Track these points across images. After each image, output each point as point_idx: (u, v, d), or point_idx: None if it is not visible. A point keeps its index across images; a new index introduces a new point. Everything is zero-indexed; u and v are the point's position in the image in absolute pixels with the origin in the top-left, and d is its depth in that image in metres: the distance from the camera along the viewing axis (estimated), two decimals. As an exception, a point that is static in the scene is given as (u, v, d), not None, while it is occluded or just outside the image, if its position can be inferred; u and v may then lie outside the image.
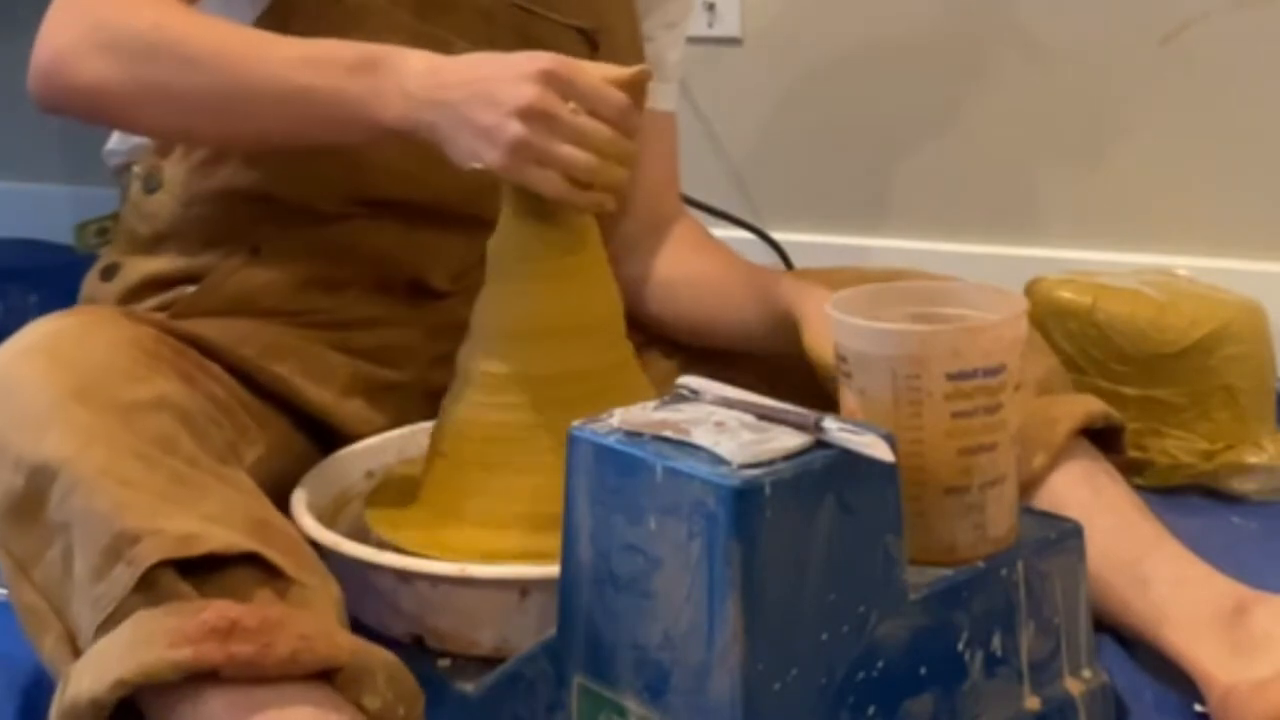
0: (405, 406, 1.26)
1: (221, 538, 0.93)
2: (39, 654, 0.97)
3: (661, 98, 1.38)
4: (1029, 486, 1.13)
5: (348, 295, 1.26)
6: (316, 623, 0.93)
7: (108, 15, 1.11)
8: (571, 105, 1.03)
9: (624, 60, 1.23)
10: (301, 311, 1.23)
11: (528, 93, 1.02)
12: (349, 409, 1.23)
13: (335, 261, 1.25)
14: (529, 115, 1.02)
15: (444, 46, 1.15)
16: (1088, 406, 1.19)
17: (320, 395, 1.21)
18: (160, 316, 1.17)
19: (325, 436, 1.23)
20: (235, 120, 1.12)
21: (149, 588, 0.90)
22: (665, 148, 1.41)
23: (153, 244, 1.25)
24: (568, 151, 1.02)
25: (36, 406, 0.98)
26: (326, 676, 0.91)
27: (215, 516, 0.95)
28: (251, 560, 0.94)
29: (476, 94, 1.04)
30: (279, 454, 1.16)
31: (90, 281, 1.28)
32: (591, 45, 1.26)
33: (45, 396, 0.98)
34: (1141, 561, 1.09)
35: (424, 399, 1.27)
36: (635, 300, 1.34)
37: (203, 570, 0.92)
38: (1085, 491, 1.13)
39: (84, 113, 1.16)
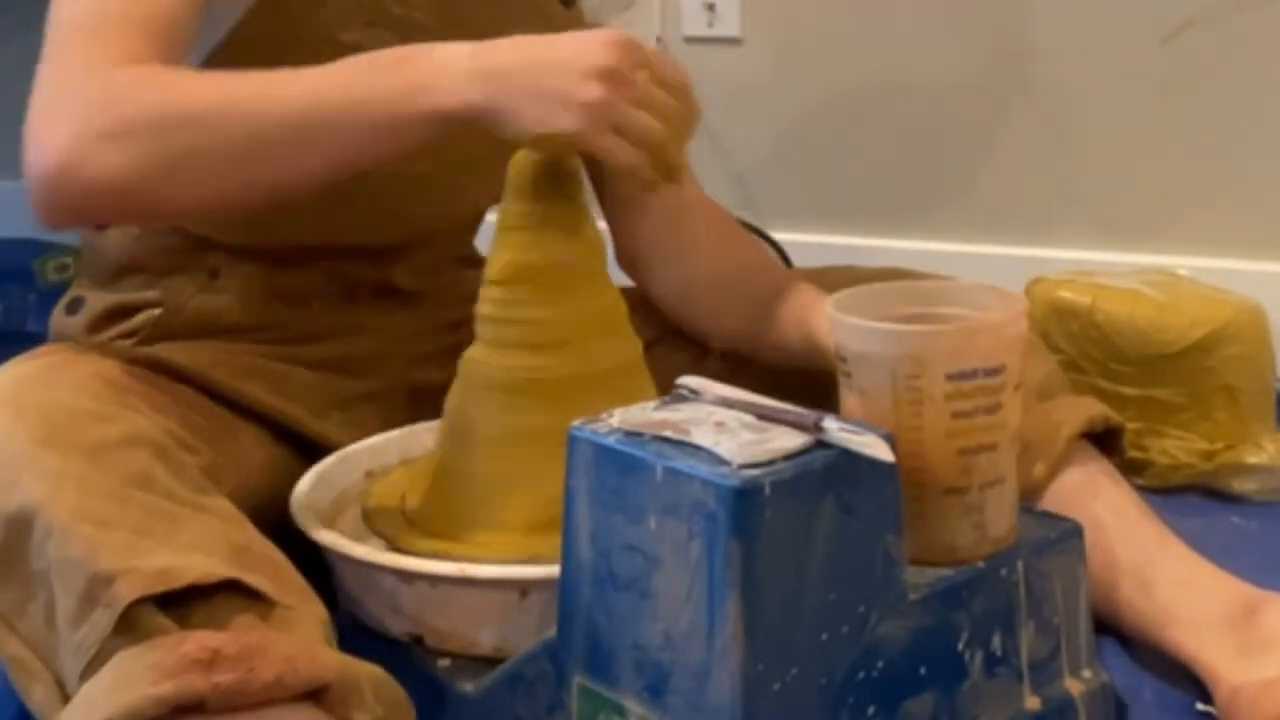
0: (384, 414, 1.25)
1: (199, 567, 0.91)
2: (29, 706, 0.96)
3: None
4: (1030, 496, 1.13)
5: (311, 308, 1.25)
6: (299, 644, 0.91)
7: (101, 98, 1.03)
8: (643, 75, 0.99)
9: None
10: (265, 327, 1.23)
11: (606, 55, 0.98)
12: (323, 425, 1.22)
13: (294, 276, 1.24)
14: (608, 77, 0.97)
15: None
16: (1088, 411, 1.19)
17: (294, 412, 1.20)
18: (126, 345, 1.17)
19: (309, 448, 1.22)
20: (277, 165, 1.04)
21: (129, 628, 0.89)
22: None
23: (113, 276, 1.25)
24: (645, 119, 0.98)
25: (4, 457, 0.96)
26: (314, 697, 0.90)
27: (192, 547, 0.93)
28: (232, 587, 0.92)
29: (540, 61, 0.99)
30: (264, 470, 1.15)
31: (56, 316, 1.28)
32: (566, 2, 1.24)
33: (12, 446, 0.96)
34: (1147, 564, 1.09)
35: (407, 402, 1.27)
36: (667, 299, 1.32)
37: (183, 602, 0.91)
38: (1087, 497, 1.13)
39: (107, 212, 1.11)
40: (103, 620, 0.89)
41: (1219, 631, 1.04)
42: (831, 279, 1.23)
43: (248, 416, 1.17)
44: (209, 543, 0.94)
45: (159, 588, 0.90)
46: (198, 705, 0.86)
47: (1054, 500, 1.13)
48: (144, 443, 0.99)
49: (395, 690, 0.93)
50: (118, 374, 1.07)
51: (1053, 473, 1.15)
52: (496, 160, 1.10)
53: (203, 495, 1.00)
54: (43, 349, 1.13)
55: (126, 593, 0.89)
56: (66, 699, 0.91)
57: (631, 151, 0.99)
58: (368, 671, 0.92)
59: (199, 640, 0.88)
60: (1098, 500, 1.13)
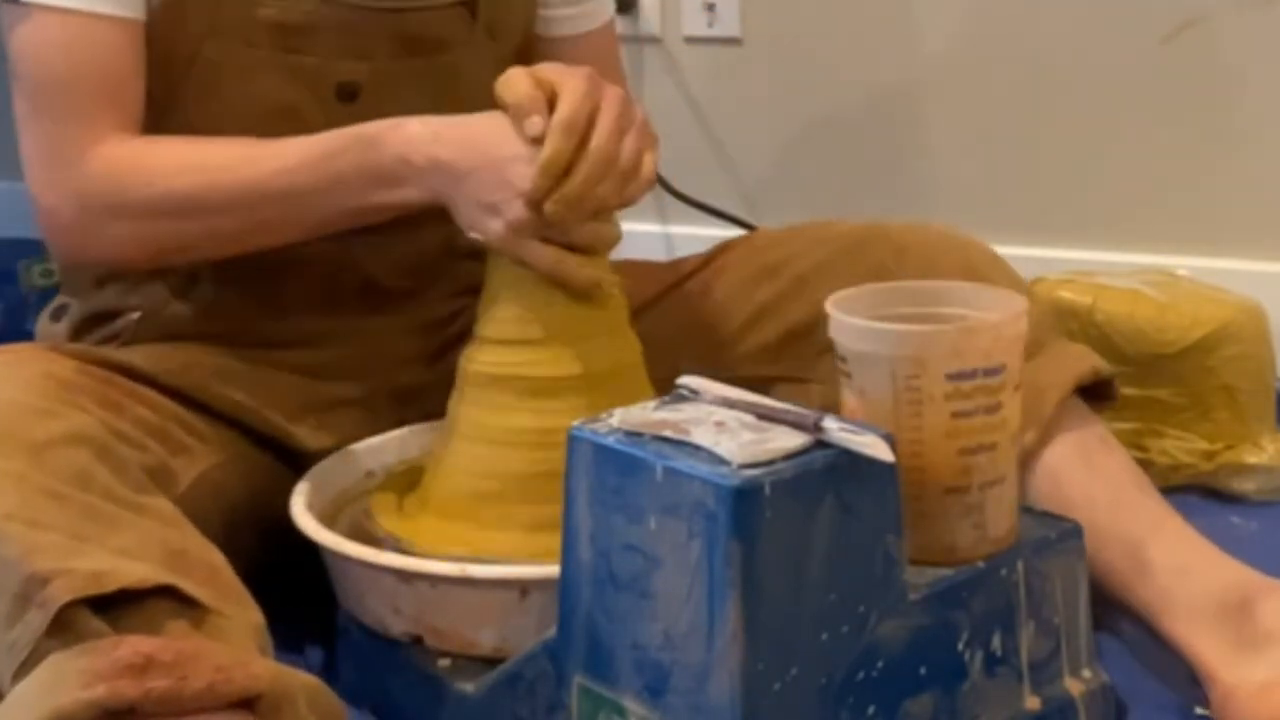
0: (366, 418, 1.25)
1: (134, 572, 0.91)
2: None
3: (591, 18, 1.36)
4: (1021, 463, 1.11)
5: (293, 313, 1.24)
6: (233, 653, 0.91)
7: (92, 188, 1.14)
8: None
9: (503, 15, 1.26)
10: (245, 333, 1.22)
11: (526, 186, 1.04)
12: (301, 431, 1.21)
13: (276, 281, 1.23)
14: (531, 199, 1.04)
15: (321, 72, 1.17)
16: (1075, 368, 1.17)
17: (272, 417, 1.20)
18: (83, 347, 1.17)
19: (285, 452, 1.21)
20: (258, 239, 1.15)
21: (63, 629, 0.89)
22: (600, 57, 1.37)
23: (95, 284, 1.26)
24: (573, 235, 1.05)
25: None
26: (248, 705, 0.89)
27: (128, 550, 0.93)
28: (167, 592, 0.92)
29: (484, 168, 1.07)
30: (232, 469, 1.14)
31: (42, 323, 1.29)
32: (472, 15, 1.24)
33: None
34: (1144, 544, 1.08)
35: (392, 405, 1.26)
36: None
37: (117, 606, 0.90)
38: (1080, 466, 1.12)
39: (113, 267, 1.22)
40: (36, 621, 0.89)
41: (1214, 624, 1.03)
42: (811, 235, 1.27)
43: (220, 418, 1.17)
44: (145, 546, 0.94)
45: (93, 590, 0.89)
46: (128, 711, 0.86)
47: (1046, 472, 1.12)
48: (85, 441, 0.99)
49: (330, 700, 0.93)
50: (70, 373, 1.07)
51: (1044, 439, 1.13)
52: (444, 107, 1.16)
53: (142, 495, 1.00)
54: (1, 348, 1.14)
55: (60, 594, 0.89)
56: (0, 698, 0.91)
57: (550, 259, 1.06)
58: (303, 682, 0.92)
59: (132, 645, 0.87)
60: (1093, 473, 1.12)
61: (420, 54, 1.22)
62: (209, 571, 0.97)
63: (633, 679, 0.90)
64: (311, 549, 1.09)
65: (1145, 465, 1.44)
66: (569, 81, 1.06)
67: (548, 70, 1.09)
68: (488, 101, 1.15)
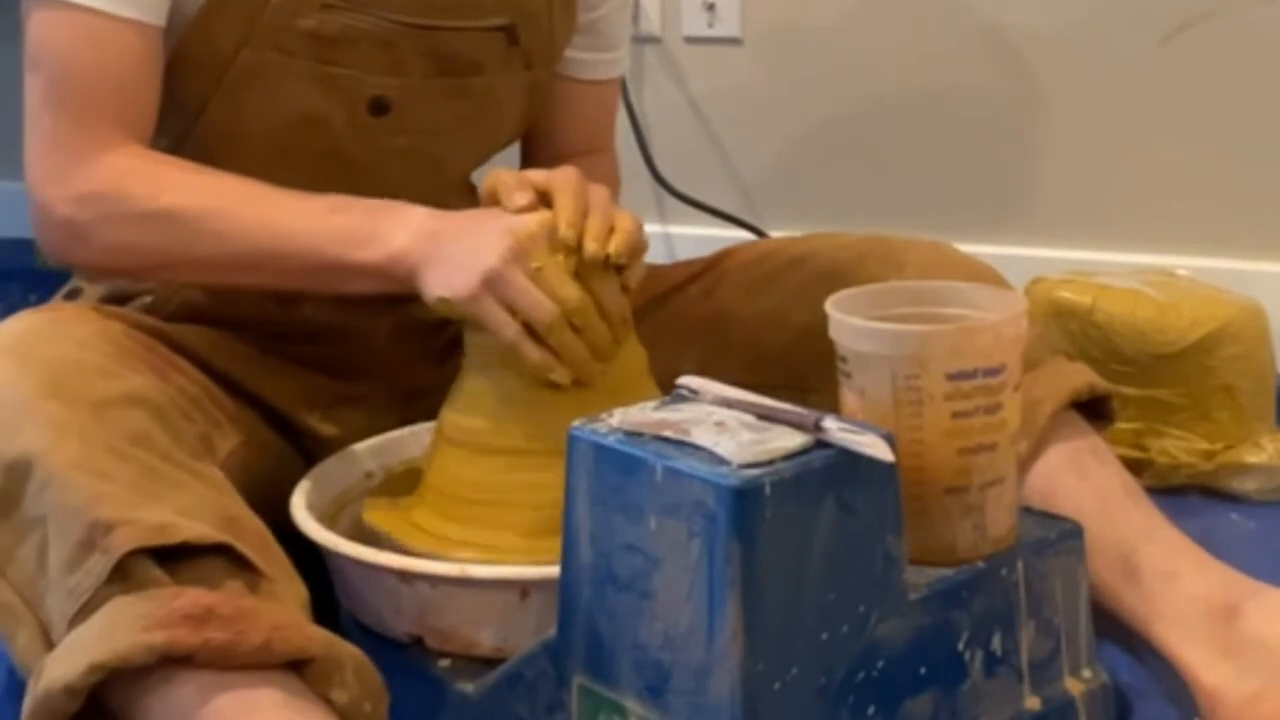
0: (370, 417, 1.25)
1: (194, 529, 0.93)
2: (10, 651, 0.97)
3: (611, 67, 1.38)
4: None
5: (303, 306, 1.25)
6: (288, 615, 0.93)
7: (93, 191, 1.13)
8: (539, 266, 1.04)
9: (544, 46, 1.25)
10: (256, 322, 1.23)
11: (509, 242, 1.04)
12: (309, 421, 1.23)
13: None
14: (509, 257, 1.03)
15: (355, 85, 1.18)
16: (1071, 382, 1.16)
17: (282, 399, 1.21)
18: (125, 310, 1.18)
19: (296, 435, 1.23)
20: (237, 277, 1.15)
21: (124, 577, 0.91)
22: (598, 114, 1.40)
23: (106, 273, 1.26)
24: (534, 298, 1.03)
25: (8, 406, 0.98)
26: (295, 669, 0.91)
27: (187, 510, 0.95)
28: (223, 552, 0.94)
29: (470, 231, 1.07)
30: (252, 447, 1.16)
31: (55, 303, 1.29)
32: (511, 40, 1.25)
33: (16, 395, 0.98)
34: (1133, 552, 1.07)
35: (398, 404, 1.26)
36: None
37: (175, 560, 0.92)
38: (1071, 476, 1.12)
39: (104, 274, 1.22)
40: (98, 567, 0.91)
41: (1201, 630, 1.03)
42: (813, 245, 1.27)
43: (242, 398, 1.18)
44: (202, 508, 0.96)
45: (157, 541, 0.91)
46: (185, 659, 0.88)
47: (1037, 481, 1.12)
48: (144, 403, 1.01)
49: (375, 676, 0.95)
50: (120, 336, 1.09)
51: (1036, 450, 1.13)
52: (474, 126, 1.23)
53: (197, 461, 1.02)
54: (49, 305, 1.17)
55: (125, 541, 0.91)
56: (50, 646, 0.92)
57: (513, 328, 1.04)
58: (351, 652, 0.94)
59: (193, 596, 0.90)
60: (1083, 482, 1.11)
61: (454, 74, 1.23)
62: (260, 540, 0.99)
63: (633, 679, 0.90)
64: (311, 547, 1.09)
65: (1145, 465, 1.45)
66: (557, 178, 1.08)
67: (535, 174, 1.10)
68: (516, 127, 1.15)
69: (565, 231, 1.04)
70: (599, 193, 1.08)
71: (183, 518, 0.94)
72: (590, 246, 1.04)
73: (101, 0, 1.12)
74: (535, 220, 1.05)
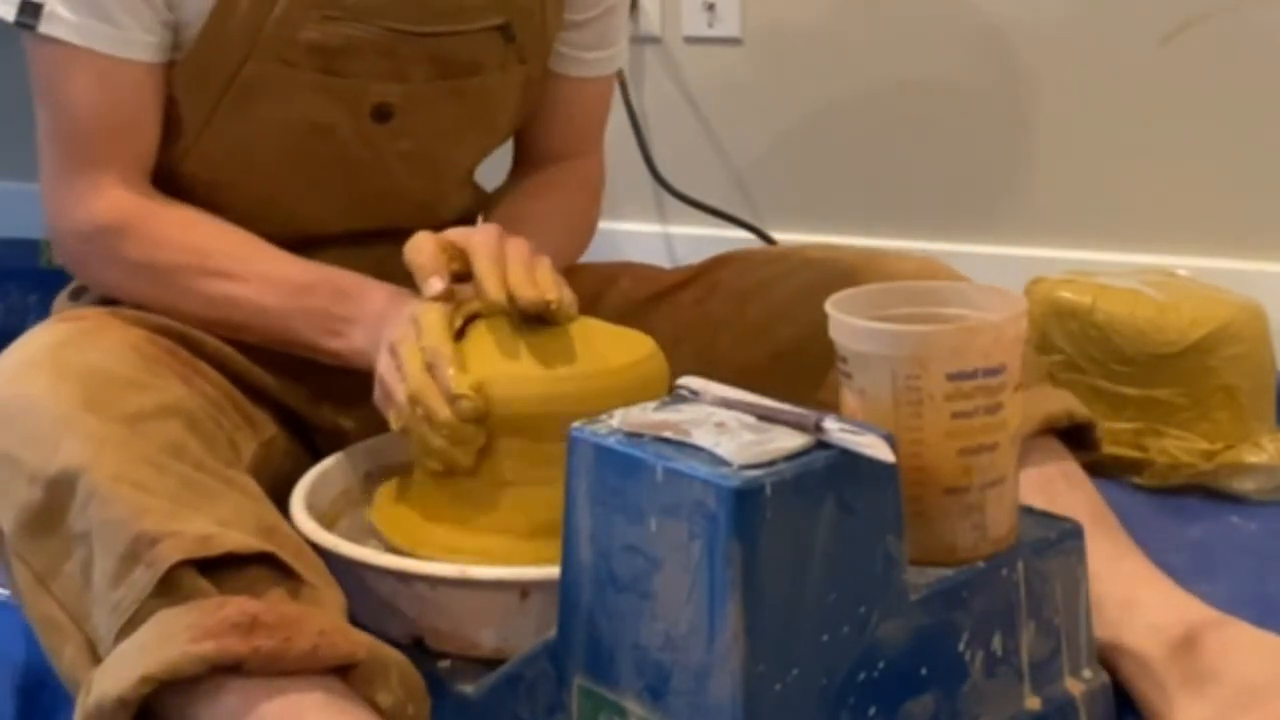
0: (376, 415, 1.25)
1: (237, 539, 0.94)
2: (57, 667, 0.97)
3: (603, 65, 1.37)
4: None
5: None
6: (333, 620, 0.94)
7: (94, 233, 1.17)
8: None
9: (537, 40, 1.26)
10: None
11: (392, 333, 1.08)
12: (321, 413, 1.24)
13: None
14: (386, 360, 1.08)
15: (358, 93, 1.19)
16: (1047, 408, 1.15)
17: (293, 396, 1.22)
18: (142, 314, 1.18)
19: (310, 432, 1.24)
20: (222, 328, 1.18)
21: (169, 589, 0.91)
22: (590, 112, 1.40)
23: None
24: (400, 397, 1.06)
25: (47, 420, 0.98)
26: (340, 673, 0.92)
27: (227, 520, 0.96)
28: (264, 560, 0.95)
29: (397, 318, 1.10)
30: (270, 448, 1.17)
31: (60, 302, 1.30)
32: (507, 38, 1.25)
33: (55, 409, 0.99)
34: (1096, 578, 1.05)
35: None
36: None
37: (220, 570, 0.93)
38: (1039, 500, 1.09)
39: (108, 295, 1.24)
40: (143, 579, 0.91)
41: (1160, 660, 1.01)
42: (807, 257, 1.27)
43: (256, 396, 1.19)
44: (241, 517, 0.97)
45: (201, 552, 0.92)
46: (234, 667, 0.89)
47: None
48: (176, 413, 1.03)
49: (418, 679, 0.96)
50: (143, 342, 1.10)
51: None
52: (474, 125, 1.26)
53: (230, 469, 1.03)
54: (70, 313, 1.18)
55: (170, 553, 0.91)
56: (97, 660, 0.93)
57: (396, 418, 1.07)
58: (395, 657, 0.95)
59: (239, 605, 0.90)
60: (1052, 507, 1.09)
61: (454, 76, 1.23)
62: (297, 547, 1.00)
63: (633, 680, 0.90)
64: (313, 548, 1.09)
65: (1145, 465, 1.44)
66: (475, 239, 1.09)
67: (455, 233, 1.11)
68: (513, 122, 1.14)
69: (496, 295, 1.06)
70: (516, 246, 1.09)
71: (224, 528, 0.94)
72: (527, 295, 1.06)
73: (103, 43, 1.13)
74: (435, 310, 1.07)
